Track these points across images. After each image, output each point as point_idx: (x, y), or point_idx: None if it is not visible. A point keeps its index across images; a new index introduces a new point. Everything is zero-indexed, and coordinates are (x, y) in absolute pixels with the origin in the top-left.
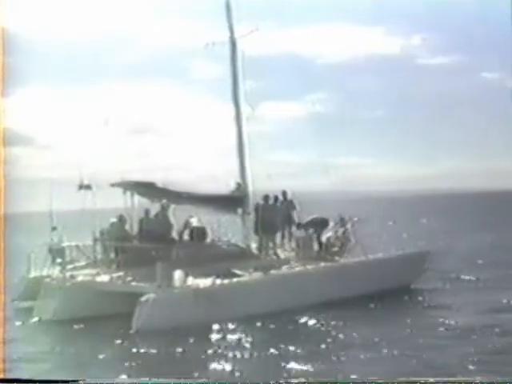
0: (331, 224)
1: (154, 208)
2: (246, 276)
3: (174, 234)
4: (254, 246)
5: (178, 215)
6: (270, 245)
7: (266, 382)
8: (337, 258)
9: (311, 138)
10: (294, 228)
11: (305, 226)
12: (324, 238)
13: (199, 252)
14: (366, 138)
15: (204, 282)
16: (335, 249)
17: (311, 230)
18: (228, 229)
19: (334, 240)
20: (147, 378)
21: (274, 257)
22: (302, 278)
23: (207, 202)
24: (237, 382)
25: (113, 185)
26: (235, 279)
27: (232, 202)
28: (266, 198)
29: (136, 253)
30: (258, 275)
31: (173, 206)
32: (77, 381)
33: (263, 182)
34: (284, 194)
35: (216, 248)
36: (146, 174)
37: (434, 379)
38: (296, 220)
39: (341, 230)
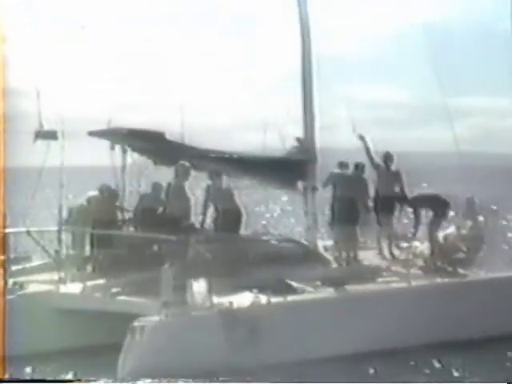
0: (452, 213)
1: (158, 176)
2: (310, 292)
3: (193, 219)
4: (323, 243)
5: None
6: (351, 243)
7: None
8: (461, 270)
9: (424, 64)
10: (394, 215)
11: (412, 201)
12: (441, 236)
13: (232, 249)
14: None
15: (240, 300)
16: (459, 255)
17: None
18: (282, 214)
19: (456, 240)
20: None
21: (357, 263)
22: (402, 300)
23: (248, 167)
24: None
25: (92, 134)
26: (291, 297)
27: (289, 169)
28: (356, 165)
29: (128, 248)
30: (328, 292)
31: (193, 174)
32: (77, 381)
33: (342, 136)
34: (386, 158)
35: (261, 244)
36: (151, 115)
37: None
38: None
39: (468, 224)
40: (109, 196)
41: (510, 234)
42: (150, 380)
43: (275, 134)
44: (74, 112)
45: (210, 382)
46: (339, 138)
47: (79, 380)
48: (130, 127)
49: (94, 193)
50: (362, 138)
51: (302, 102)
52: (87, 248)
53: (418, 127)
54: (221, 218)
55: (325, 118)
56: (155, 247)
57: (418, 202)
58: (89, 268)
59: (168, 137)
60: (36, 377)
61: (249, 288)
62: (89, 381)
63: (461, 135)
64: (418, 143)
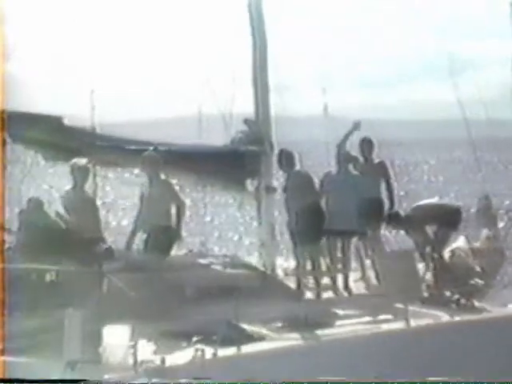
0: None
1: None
2: (270, 339)
3: (107, 236)
4: (283, 266)
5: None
6: (324, 264)
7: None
8: (475, 301)
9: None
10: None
11: (408, 221)
12: (446, 252)
13: (163, 280)
14: None
15: (175, 355)
16: (474, 280)
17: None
18: (225, 225)
19: (466, 256)
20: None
21: (332, 292)
22: (396, 347)
23: (180, 162)
24: (236, 383)
25: None
26: (245, 347)
27: (234, 163)
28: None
29: (12, 280)
30: (294, 338)
31: (103, 174)
32: (77, 381)
33: (308, 113)
34: (364, 145)
35: (200, 271)
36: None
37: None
38: (389, 207)
39: (484, 234)
40: None
41: None
42: (150, 380)
43: (212, 116)
44: None
45: (212, 382)
46: (304, 117)
47: (79, 380)
48: (12, 109)
49: None
50: (357, 126)
51: (252, 67)
52: None
53: (404, 85)
54: (151, 236)
55: (283, 86)
56: (48, 276)
57: (416, 221)
58: None
59: (67, 122)
60: None
61: (187, 336)
62: (89, 381)
63: (468, 95)
64: (405, 107)
